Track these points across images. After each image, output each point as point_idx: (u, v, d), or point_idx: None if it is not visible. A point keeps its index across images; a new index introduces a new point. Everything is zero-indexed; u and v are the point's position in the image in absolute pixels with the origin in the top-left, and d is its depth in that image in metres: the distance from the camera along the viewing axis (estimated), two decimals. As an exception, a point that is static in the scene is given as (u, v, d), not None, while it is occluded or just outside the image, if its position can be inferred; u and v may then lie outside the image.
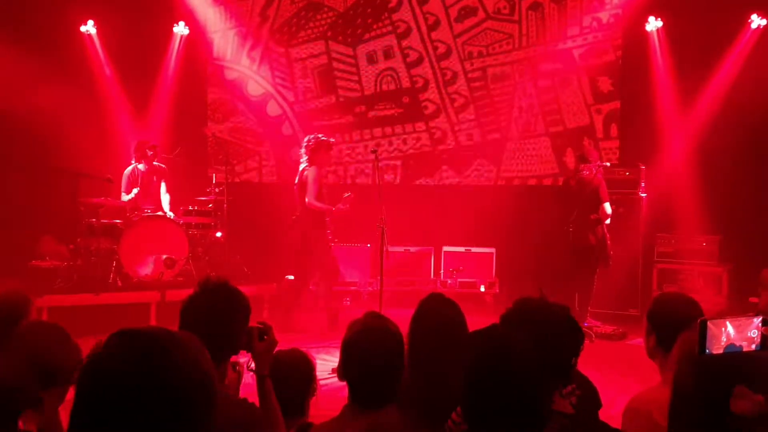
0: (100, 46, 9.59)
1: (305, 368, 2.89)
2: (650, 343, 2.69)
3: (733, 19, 8.34)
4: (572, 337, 2.37)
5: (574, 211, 7.32)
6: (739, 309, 6.57)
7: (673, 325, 2.55)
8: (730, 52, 8.38)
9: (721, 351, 1.89)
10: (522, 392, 1.89)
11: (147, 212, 7.82)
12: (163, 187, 8.20)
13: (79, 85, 9.29)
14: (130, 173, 8.08)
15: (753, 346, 1.81)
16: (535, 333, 2.16)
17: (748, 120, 8.03)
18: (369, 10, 9.66)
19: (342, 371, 2.39)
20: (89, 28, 9.54)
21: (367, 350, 2.35)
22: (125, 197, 7.94)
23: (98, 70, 9.60)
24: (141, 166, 8.06)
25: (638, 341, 6.87)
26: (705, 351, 1.85)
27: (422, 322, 2.90)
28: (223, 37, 10.01)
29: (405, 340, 2.84)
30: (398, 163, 9.50)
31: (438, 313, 2.94)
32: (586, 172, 7.20)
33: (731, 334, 1.94)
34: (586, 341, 2.61)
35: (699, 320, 1.90)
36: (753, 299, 7.16)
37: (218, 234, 8.33)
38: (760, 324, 1.81)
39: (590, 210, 7.23)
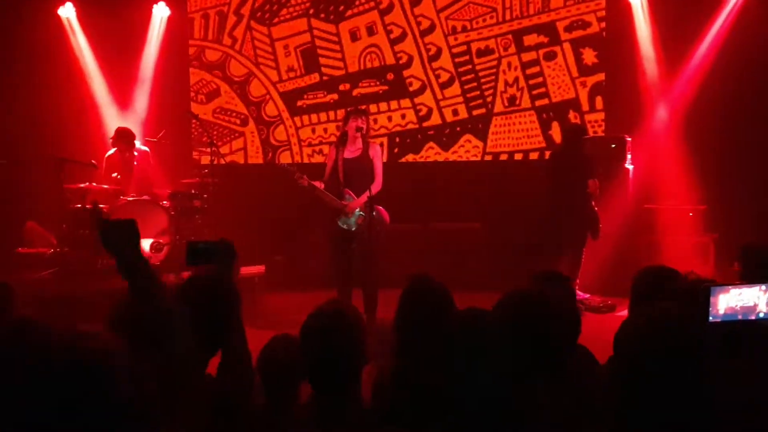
0: (80, 28, 9.44)
1: (295, 356, 2.88)
2: None
3: (716, -12, 8.35)
4: (567, 323, 2.40)
5: (562, 184, 7.32)
6: (725, 277, 6.64)
7: (655, 296, 2.58)
8: (714, 21, 8.38)
9: (719, 320, 1.91)
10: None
11: (132, 197, 7.76)
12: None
13: (58, 68, 9.16)
14: (110, 156, 8.06)
15: (760, 315, 1.82)
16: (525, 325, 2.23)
17: (732, 89, 8.06)
18: (351, -14, 9.55)
19: None
20: (67, 10, 9.37)
21: (319, 336, 2.34)
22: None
23: (78, 53, 9.46)
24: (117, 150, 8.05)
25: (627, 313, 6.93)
26: (709, 319, 1.86)
27: (412, 303, 2.88)
28: (204, 16, 9.87)
29: (395, 321, 2.85)
30: (384, 140, 9.45)
31: (427, 295, 2.90)
32: (578, 145, 7.21)
33: (729, 302, 1.95)
34: None
35: (702, 287, 1.91)
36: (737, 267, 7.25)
37: (204, 215, 8.27)
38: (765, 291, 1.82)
39: (580, 183, 7.25)
